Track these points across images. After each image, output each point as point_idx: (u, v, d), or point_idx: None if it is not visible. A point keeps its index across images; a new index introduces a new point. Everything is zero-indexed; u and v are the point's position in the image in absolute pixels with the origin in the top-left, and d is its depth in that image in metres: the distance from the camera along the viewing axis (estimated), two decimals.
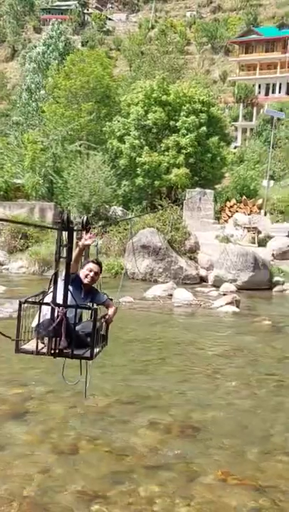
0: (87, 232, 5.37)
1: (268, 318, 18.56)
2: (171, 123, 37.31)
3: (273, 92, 76.42)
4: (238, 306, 20.23)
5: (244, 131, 72.43)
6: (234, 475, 7.60)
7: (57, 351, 5.15)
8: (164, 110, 37.37)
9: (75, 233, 5.23)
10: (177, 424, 9.27)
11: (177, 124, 37.03)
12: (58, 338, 5.07)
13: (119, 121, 38.57)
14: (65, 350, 5.17)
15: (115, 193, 35.92)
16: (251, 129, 68.68)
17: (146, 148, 36.94)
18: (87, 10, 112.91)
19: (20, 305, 5.17)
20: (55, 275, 5.08)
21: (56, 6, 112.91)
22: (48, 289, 5.27)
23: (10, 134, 49.69)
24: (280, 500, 7.09)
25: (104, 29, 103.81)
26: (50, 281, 5.16)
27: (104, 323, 5.71)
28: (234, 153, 52.12)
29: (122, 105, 40.36)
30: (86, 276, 5.83)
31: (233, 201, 36.16)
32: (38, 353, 5.23)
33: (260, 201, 35.65)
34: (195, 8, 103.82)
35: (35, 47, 59.50)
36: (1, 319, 16.71)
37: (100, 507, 6.69)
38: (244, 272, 24.87)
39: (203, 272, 26.56)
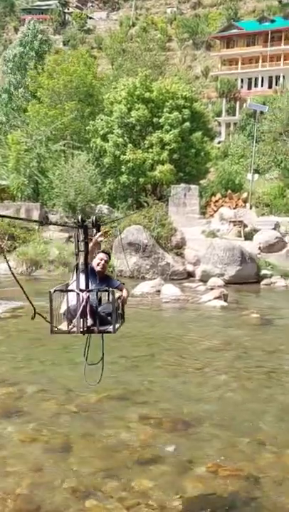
0: (97, 229, 6.26)
1: (256, 312, 18.65)
2: (155, 120, 37.34)
3: (256, 85, 76.71)
4: (225, 300, 20.32)
5: (228, 125, 72.68)
6: (226, 467, 7.69)
7: (85, 329, 6.02)
8: (147, 107, 37.40)
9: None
10: (168, 418, 9.33)
11: (160, 121, 37.08)
12: (85, 318, 5.94)
13: (102, 120, 38.57)
14: (91, 328, 6.05)
15: (100, 192, 35.96)
16: (235, 124, 68.91)
17: (130, 145, 36.98)
18: (68, 9, 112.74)
19: (50, 294, 5.95)
20: (77, 266, 5.99)
21: (36, 5, 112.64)
22: (71, 279, 6.17)
23: None
24: (271, 490, 7.19)
25: (85, 28, 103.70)
26: (73, 271, 6.09)
27: (120, 303, 6.48)
28: (218, 148, 52.29)
29: (105, 103, 40.37)
30: (98, 265, 6.56)
31: (218, 196, 36.27)
32: (69, 332, 6.08)
33: (245, 195, 35.78)
34: (175, 5, 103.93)
35: (10, 48, 59.10)
36: None
37: (94, 502, 6.75)
38: (231, 266, 24.97)
39: (190, 268, 26.63)
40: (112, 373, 11.62)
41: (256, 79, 76.89)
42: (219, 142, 61.75)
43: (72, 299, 5.97)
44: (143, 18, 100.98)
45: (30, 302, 5.47)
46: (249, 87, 77.18)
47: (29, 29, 55.41)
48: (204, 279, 24.81)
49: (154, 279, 23.65)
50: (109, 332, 6.15)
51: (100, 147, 37.94)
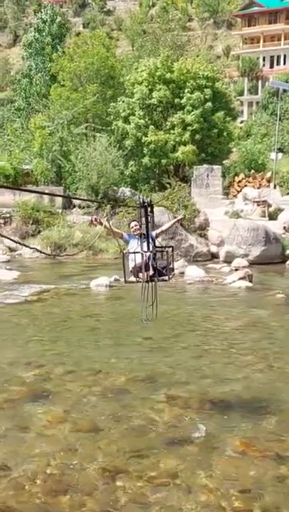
0: (151, 208, 8.00)
1: (282, 292, 18.55)
2: (176, 100, 37.09)
3: (278, 64, 75.67)
4: (250, 281, 20.25)
5: (250, 105, 71.92)
6: (254, 446, 7.68)
7: (148, 279, 8.11)
8: (169, 88, 37.13)
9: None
10: (195, 398, 9.34)
11: (182, 101, 36.81)
12: (148, 271, 8.09)
13: (123, 102, 38.40)
14: (152, 277, 8.16)
15: (123, 174, 35.89)
16: (257, 103, 68.15)
17: (151, 127, 36.79)
18: None
19: (123, 254, 8.40)
20: (141, 235, 8.08)
21: None
22: (127, 247, 8.62)
23: (16, 120, 49.63)
24: None
25: (105, 9, 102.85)
26: (139, 239, 8.13)
27: (171, 260, 8.62)
28: (241, 128, 51.85)
29: (126, 85, 40.16)
30: (135, 231, 8.50)
31: (242, 176, 36.02)
32: (137, 281, 8.25)
33: (268, 174, 35.49)
34: None
35: (30, 32, 58.59)
36: (17, 304, 16.87)
37: (123, 482, 6.79)
38: (255, 247, 24.87)
39: (214, 249, 26.57)
40: (138, 355, 11.68)
41: (278, 57, 75.82)
42: (242, 122, 61.20)
43: (138, 258, 8.18)
44: None
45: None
46: (271, 65, 76.16)
47: (46, 14, 54.97)
48: (228, 260, 24.74)
49: (178, 261, 23.61)
50: (165, 280, 8.43)
51: (121, 129, 37.80)
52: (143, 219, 8.00)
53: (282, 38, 75.18)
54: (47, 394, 9.52)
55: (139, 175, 38.59)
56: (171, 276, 8.48)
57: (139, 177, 38.66)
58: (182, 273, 21.84)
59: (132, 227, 8.61)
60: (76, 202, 33.03)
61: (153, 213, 8.05)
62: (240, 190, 34.13)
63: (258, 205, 29.89)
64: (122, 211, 28.65)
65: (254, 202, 30.44)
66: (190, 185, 33.63)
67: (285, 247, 25.84)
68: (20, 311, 16.00)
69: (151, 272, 8.14)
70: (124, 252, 8.42)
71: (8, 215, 31.13)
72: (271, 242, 25.25)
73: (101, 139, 34.67)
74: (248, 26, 79.75)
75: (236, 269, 22.34)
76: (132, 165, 37.61)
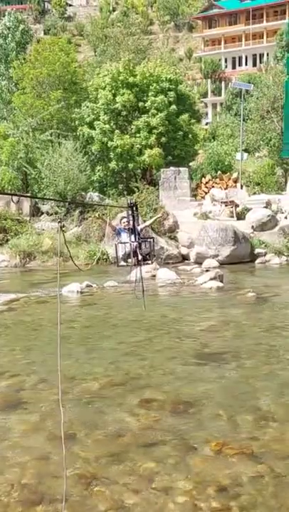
0: (135, 207, 9.47)
1: (252, 290, 18.68)
2: (140, 104, 37.20)
3: (240, 64, 76.57)
4: (221, 281, 20.33)
5: (214, 106, 72.56)
6: (229, 445, 7.68)
7: (136, 263, 9.97)
8: (132, 92, 37.22)
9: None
10: (170, 400, 9.33)
11: (146, 105, 36.93)
12: (136, 257, 9.92)
13: (88, 107, 38.36)
14: (139, 262, 9.95)
15: (90, 180, 35.80)
16: (221, 104, 68.69)
17: (117, 131, 36.82)
18: None
19: (115, 245, 10.53)
20: (129, 229, 9.85)
21: None
22: (117, 239, 11.01)
23: None
24: (276, 466, 7.19)
25: (66, 15, 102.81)
26: (128, 232, 9.99)
27: (153, 248, 10.88)
28: (206, 130, 52.15)
29: (89, 90, 40.14)
30: (125, 226, 10.39)
31: (209, 177, 36.21)
32: (127, 265, 10.31)
33: (235, 175, 35.73)
34: None
35: None
36: None
37: (99, 488, 6.74)
38: (225, 247, 24.99)
39: (184, 251, 26.63)
40: (112, 359, 11.65)
41: (240, 58, 76.74)
42: (207, 123, 61.57)
43: (127, 247, 10.07)
44: (123, 2, 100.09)
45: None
46: (234, 67, 77.01)
47: (10, 21, 54.81)
48: (199, 261, 24.85)
49: (149, 264, 23.58)
50: (149, 263, 10.99)
51: (87, 135, 37.74)
52: (130, 216, 9.52)
53: (243, 39, 76.10)
54: (21, 403, 9.42)
55: (107, 180, 38.59)
56: (153, 260, 11.17)
57: (107, 182, 38.65)
58: (154, 276, 21.83)
59: (124, 223, 10.64)
60: (44, 209, 32.87)
61: (138, 212, 9.72)
62: (208, 192, 34.31)
63: (226, 205, 30.08)
64: (90, 216, 28.57)
65: (222, 202, 30.62)
66: (158, 189, 33.69)
67: (253, 246, 26.03)
68: None
69: (139, 258, 10.01)
70: (116, 242, 10.57)
71: None
72: (240, 241, 25.42)
73: (67, 145, 34.55)
74: (209, 28, 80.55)
75: (207, 270, 22.43)
76: (99, 170, 37.58)
